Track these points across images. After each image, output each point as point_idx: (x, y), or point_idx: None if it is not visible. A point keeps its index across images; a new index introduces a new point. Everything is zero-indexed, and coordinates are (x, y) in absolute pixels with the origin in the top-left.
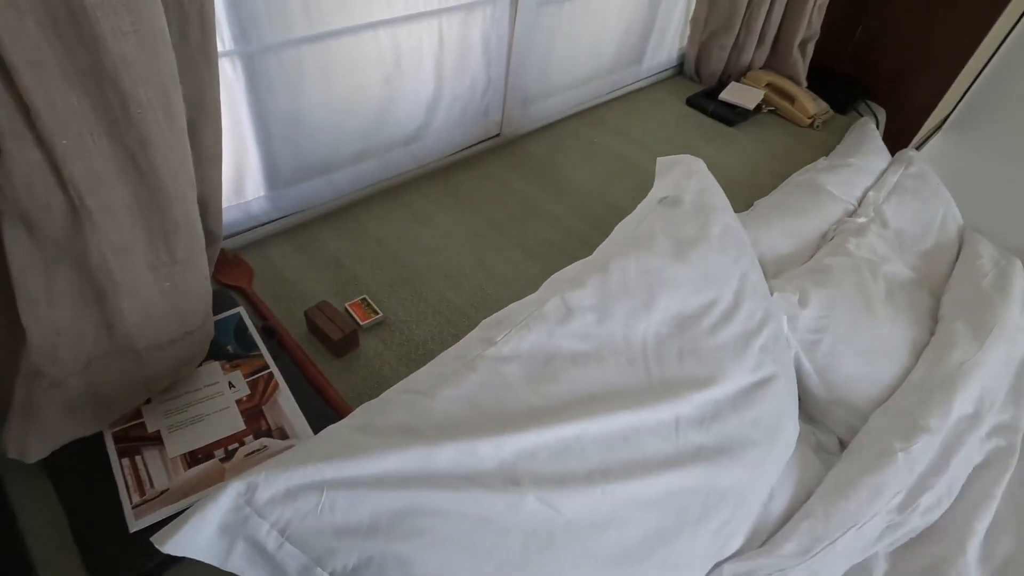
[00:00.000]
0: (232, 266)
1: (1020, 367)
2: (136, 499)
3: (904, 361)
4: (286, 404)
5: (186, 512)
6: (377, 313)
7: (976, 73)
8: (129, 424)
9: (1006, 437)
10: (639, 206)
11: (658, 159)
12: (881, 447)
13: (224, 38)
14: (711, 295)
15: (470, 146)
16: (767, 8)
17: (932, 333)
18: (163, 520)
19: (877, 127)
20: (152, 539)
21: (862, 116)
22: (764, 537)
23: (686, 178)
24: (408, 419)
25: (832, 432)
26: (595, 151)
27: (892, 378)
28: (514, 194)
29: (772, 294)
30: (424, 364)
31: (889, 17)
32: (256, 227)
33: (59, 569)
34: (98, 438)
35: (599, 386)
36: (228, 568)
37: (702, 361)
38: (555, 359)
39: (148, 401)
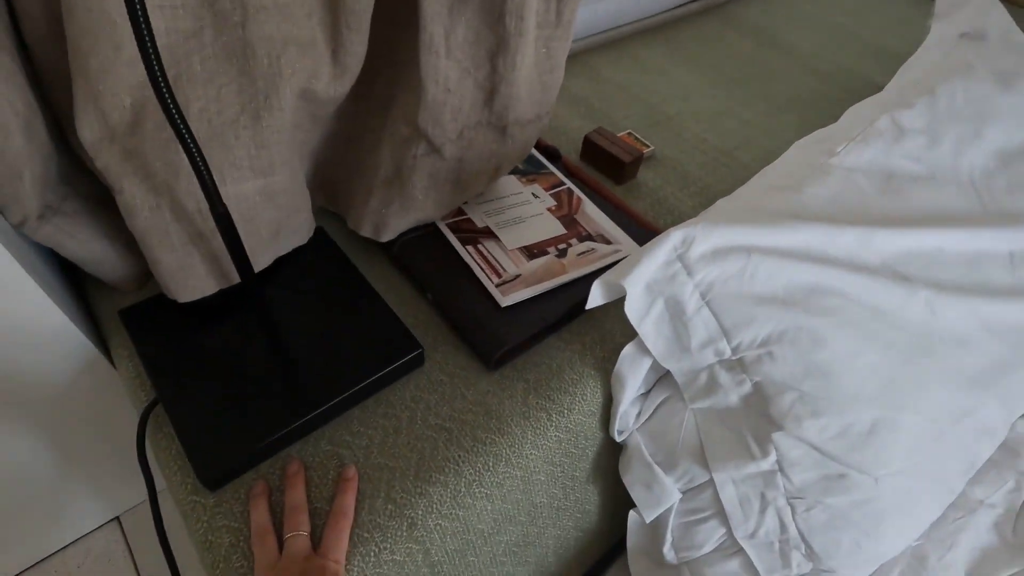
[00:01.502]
0: None
1: None
2: (495, 280)
3: None
4: (596, 215)
5: (629, 258)
6: (648, 146)
7: None
8: (458, 218)
9: None
10: (925, 43)
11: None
12: None
13: None
14: None
15: (682, 4)
16: None
17: None
18: (527, 300)
19: None
20: (600, 280)
21: None
22: None
23: (983, 14)
24: (789, 207)
25: None
26: (808, 18)
27: None
28: (740, 54)
29: None
30: (707, 196)
31: None
32: None
33: (430, 334)
34: (432, 229)
35: (940, 208)
36: (639, 330)
37: None
38: (895, 177)
39: (466, 202)
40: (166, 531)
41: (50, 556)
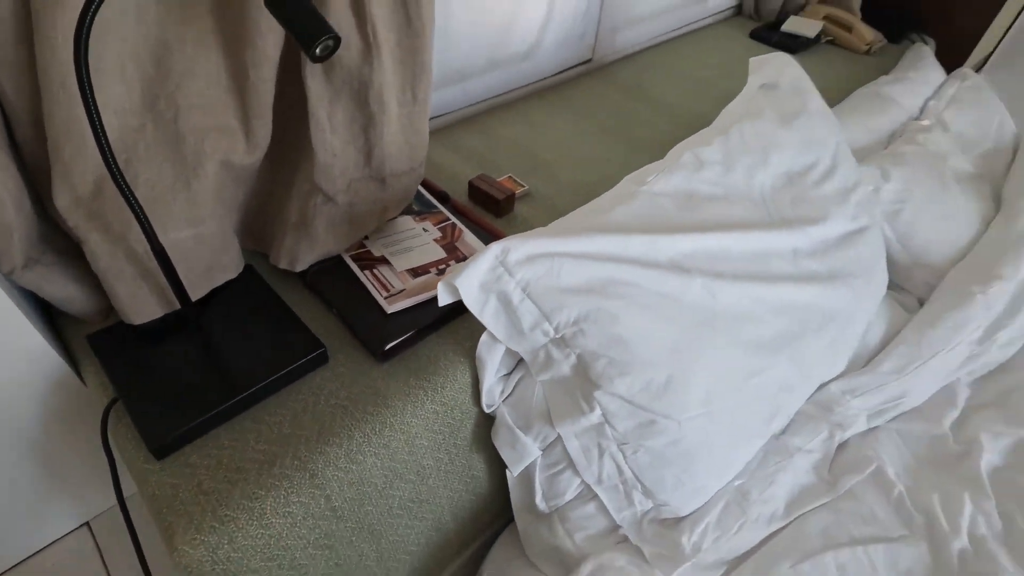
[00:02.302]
0: None
1: None
2: (384, 294)
3: (976, 228)
4: (473, 242)
5: (458, 266)
6: (523, 186)
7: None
8: (359, 250)
9: None
10: (739, 96)
11: (751, 59)
12: (961, 291)
13: None
14: (813, 156)
15: (568, 68)
16: None
17: (997, 212)
18: (408, 307)
19: None
20: (442, 282)
21: (914, 43)
22: (863, 363)
23: (779, 69)
24: (597, 223)
25: (912, 295)
26: (675, 75)
27: (966, 241)
28: (613, 107)
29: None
30: None
31: None
32: None
33: (333, 347)
34: (337, 260)
35: (731, 218)
36: (482, 320)
37: (810, 206)
38: (695, 197)
39: (366, 238)
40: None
41: (24, 560)
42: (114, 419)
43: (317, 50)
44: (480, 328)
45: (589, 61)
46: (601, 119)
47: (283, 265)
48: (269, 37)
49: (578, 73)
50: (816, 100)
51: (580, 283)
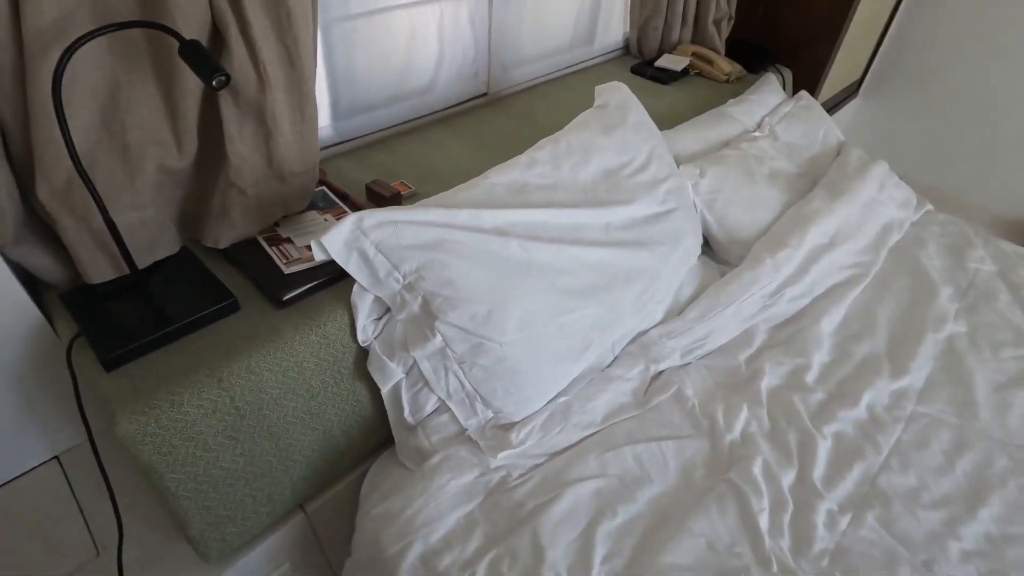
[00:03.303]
0: None
1: (882, 230)
2: (283, 261)
3: (778, 211)
4: None
5: (329, 228)
6: (411, 188)
7: (878, 38)
8: (271, 233)
9: (863, 268)
10: (581, 113)
11: (596, 87)
12: (756, 257)
13: None
14: (627, 157)
15: (466, 100)
16: None
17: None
18: (301, 270)
19: (783, 85)
20: (314, 240)
21: (766, 73)
22: (677, 312)
23: (612, 93)
24: (438, 202)
25: (732, 265)
26: (562, 103)
27: (768, 221)
28: (503, 130)
29: (679, 167)
30: None
31: None
32: (325, 148)
33: (243, 299)
34: (252, 242)
35: (555, 200)
36: (348, 269)
37: (623, 192)
38: (526, 187)
39: (277, 225)
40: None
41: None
42: (77, 351)
43: (213, 83)
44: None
45: (485, 95)
46: (490, 140)
47: (209, 244)
48: (191, 78)
49: (475, 104)
50: (635, 115)
51: (418, 241)
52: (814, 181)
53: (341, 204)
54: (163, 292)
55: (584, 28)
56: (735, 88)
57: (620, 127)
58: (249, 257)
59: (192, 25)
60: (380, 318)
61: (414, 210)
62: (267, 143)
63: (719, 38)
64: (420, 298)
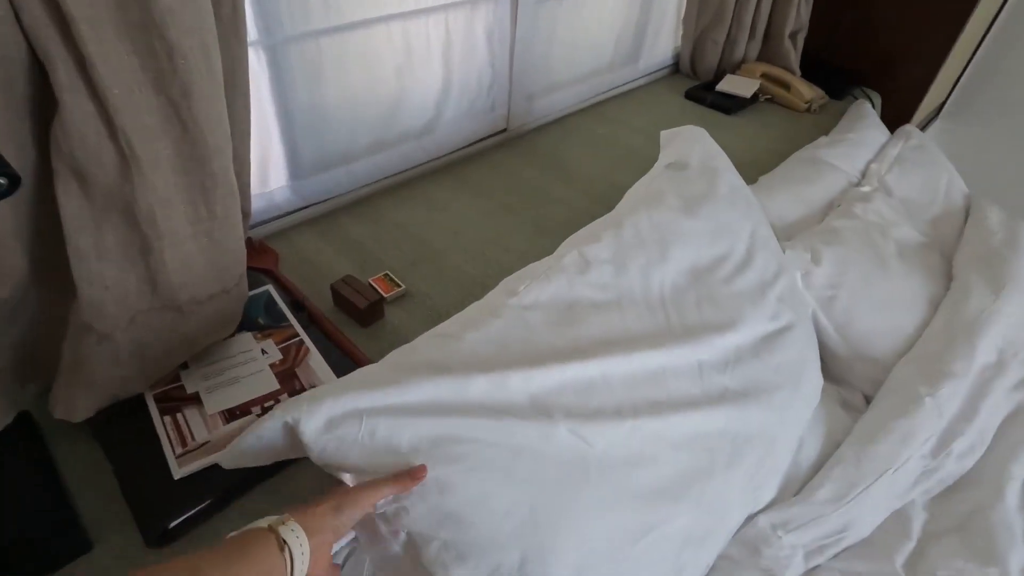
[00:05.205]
0: (259, 252)
1: None
2: (179, 450)
3: (923, 313)
4: (318, 366)
5: (238, 437)
6: (399, 286)
7: (967, 58)
8: (168, 387)
9: None
10: (647, 174)
11: (661, 132)
12: (908, 393)
13: (249, 30)
14: (723, 247)
15: (478, 140)
16: (755, 2)
17: (947, 289)
18: (205, 468)
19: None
20: (222, 455)
21: (857, 100)
22: (797, 487)
23: (690, 144)
24: (438, 357)
25: (856, 389)
26: (600, 142)
27: (912, 329)
28: (525, 182)
29: (784, 252)
30: None
31: (875, 3)
32: (280, 216)
33: (106, 522)
34: (139, 401)
35: (620, 331)
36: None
37: (720, 308)
38: (576, 306)
39: (185, 366)
40: None
41: None
42: None
43: None
44: (308, 486)
45: (504, 131)
46: (507, 196)
47: (59, 415)
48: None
49: (491, 145)
50: (728, 179)
51: (401, 446)
52: (944, 255)
53: (291, 319)
54: None
55: (629, 42)
56: (817, 119)
57: (709, 200)
58: (123, 439)
59: None
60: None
61: (395, 386)
62: (145, 258)
63: (795, 55)
64: (403, 535)
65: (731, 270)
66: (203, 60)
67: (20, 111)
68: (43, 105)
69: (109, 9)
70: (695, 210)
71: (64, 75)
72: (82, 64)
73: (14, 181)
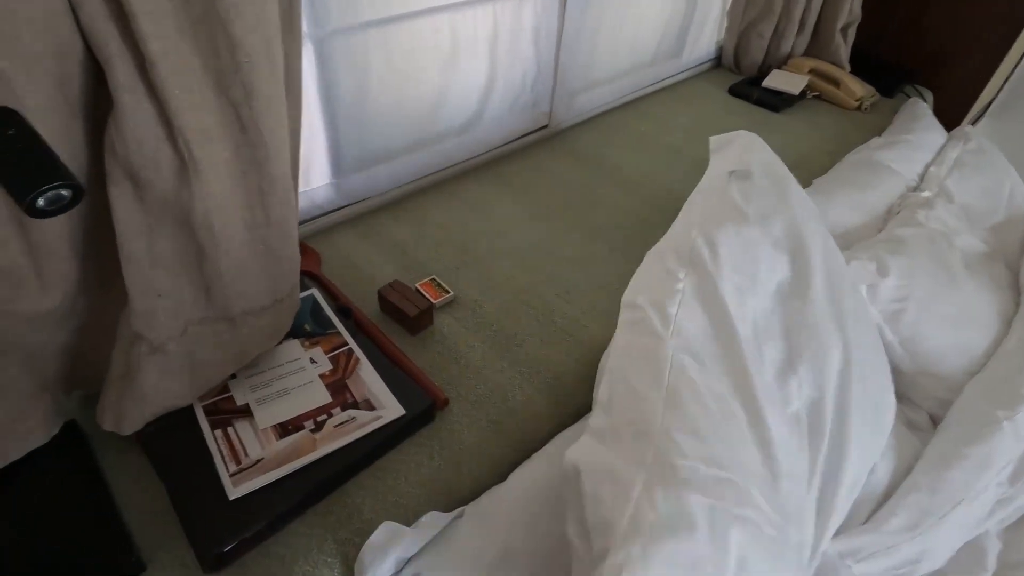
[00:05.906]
0: (301, 253)
1: None
2: (233, 468)
3: (995, 329)
4: (369, 377)
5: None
6: (448, 292)
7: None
8: (217, 398)
9: None
10: (703, 181)
11: (711, 137)
12: (983, 416)
13: None
14: (801, 264)
15: (519, 137)
16: None
17: (1017, 304)
18: (262, 488)
19: None
20: None
21: (910, 98)
22: (866, 513)
23: (747, 152)
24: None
25: (920, 408)
26: (643, 140)
27: (983, 347)
28: (568, 182)
29: (848, 263)
30: (498, 339)
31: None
32: (321, 216)
33: (157, 541)
34: (188, 412)
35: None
36: None
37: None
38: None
39: (233, 376)
40: None
41: None
42: None
43: (38, 203)
44: (365, 506)
45: (545, 127)
46: (550, 197)
47: (107, 426)
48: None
49: (531, 142)
50: (796, 188)
51: None
52: (1009, 266)
53: (339, 327)
54: (13, 527)
55: (674, 35)
56: (869, 119)
57: (782, 213)
58: (174, 453)
59: (32, 68)
60: (398, 572)
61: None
62: (200, 266)
63: (845, 50)
64: None
65: (815, 291)
66: (266, 58)
67: (75, 111)
68: (97, 106)
69: (172, 2)
70: (769, 222)
71: (123, 74)
72: (142, 63)
73: (77, 193)
